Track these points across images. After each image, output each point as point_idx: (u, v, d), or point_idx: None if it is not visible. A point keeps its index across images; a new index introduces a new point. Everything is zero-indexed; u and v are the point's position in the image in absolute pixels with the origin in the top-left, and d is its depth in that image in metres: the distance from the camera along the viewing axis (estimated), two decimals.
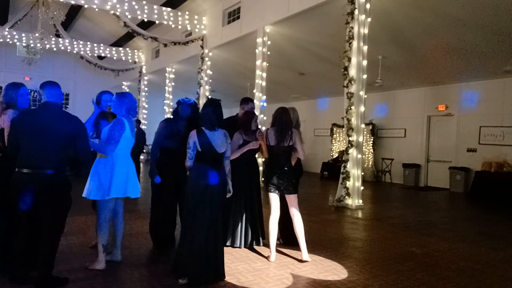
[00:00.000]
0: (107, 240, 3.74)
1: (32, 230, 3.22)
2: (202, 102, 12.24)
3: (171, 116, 4.62)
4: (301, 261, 4.19)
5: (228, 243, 4.57)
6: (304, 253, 4.20)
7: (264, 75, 10.57)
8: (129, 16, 12.10)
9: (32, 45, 14.28)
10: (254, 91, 10.77)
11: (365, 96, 7.83)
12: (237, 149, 4.39)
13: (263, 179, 4.53)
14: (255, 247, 4.66)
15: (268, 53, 10.48)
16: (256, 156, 4.88)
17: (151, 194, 4.60)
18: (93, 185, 3.60)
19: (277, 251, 4.39)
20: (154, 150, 4.49)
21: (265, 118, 10.46)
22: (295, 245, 4.42)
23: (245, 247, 4.62)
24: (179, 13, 12.81)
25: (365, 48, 7.70)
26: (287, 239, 4.80)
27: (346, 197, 7.68)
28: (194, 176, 3.61)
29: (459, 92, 11.86)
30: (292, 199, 4.29)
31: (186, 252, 3.46)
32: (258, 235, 4.73)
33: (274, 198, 4.29)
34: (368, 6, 7.62)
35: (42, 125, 3.16)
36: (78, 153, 3.36)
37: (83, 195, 3.64)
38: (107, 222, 3.70)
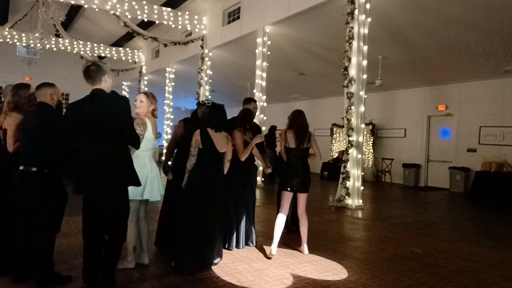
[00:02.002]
0: (135, 242, 3.74)
1: (27, 228, 3.22)
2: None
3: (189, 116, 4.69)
4: (301, 252, 4.42)
5: (231, 248, 4.50)
6: (305, 247, 4.46)
7: (264, 75, 10.57)
8: (129, 16, 12.09)
9: (32, 45, 14.25)
10: (254, 91, 10.77)
11: (365, 96, 7.83)
12: (245, 149, 4.45)
13: (262, 178, 4.55)
14: (255, 247, 4.65)
15: (268, 53, 10.49)
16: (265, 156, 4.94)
17: (164, 193, 4.57)
18: None
19: (277, 251, 4.38)
20: (169, 148, 4.63)
21: (265, 118, 10.45)
22: (296, 243, 4.43)
23: (238, 247, 4.57)
24: (179, 13, 12.81)
25: (365, 48, 7.71)
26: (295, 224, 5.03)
27: (346, 197, 7.68)
28: (196, 173, 3.85)
29: (459, 92, 11.87)
30: (303, 198, 4.48)
31: (180, 241, 3.78)
32: (252, 235, 4.70)
33: (288, 197, 4.45)
34: (368, 6, 7.62)
35: (26, 123, 3.24)
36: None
37: None
38: (133, 223, 3.63)
